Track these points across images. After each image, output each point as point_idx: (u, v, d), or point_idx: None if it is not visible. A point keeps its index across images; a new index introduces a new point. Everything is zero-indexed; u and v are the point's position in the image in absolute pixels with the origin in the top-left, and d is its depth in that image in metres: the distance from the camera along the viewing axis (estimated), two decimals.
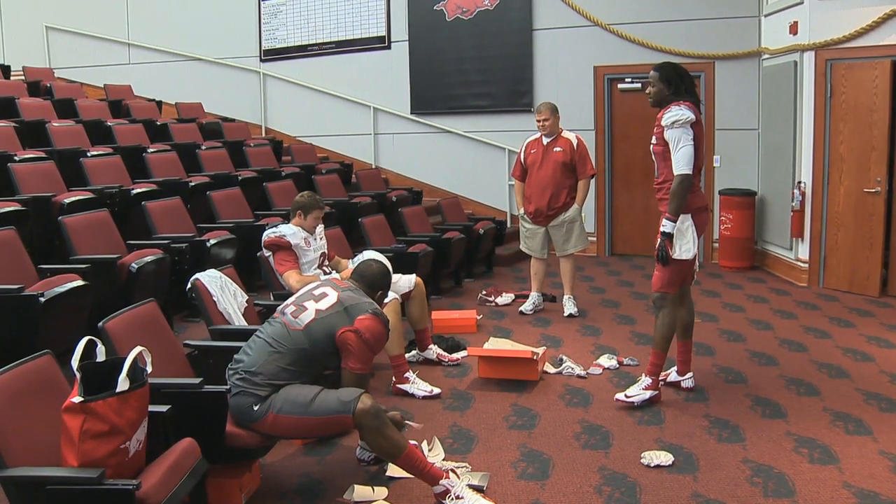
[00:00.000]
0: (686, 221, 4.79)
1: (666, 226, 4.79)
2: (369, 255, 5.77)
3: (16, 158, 6.63)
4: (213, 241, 6.20)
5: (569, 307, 7.10)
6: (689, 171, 4.70)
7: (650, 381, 4.95)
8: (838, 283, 7.96)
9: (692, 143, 4.71)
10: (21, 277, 4.77)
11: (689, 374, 5.19)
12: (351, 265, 5.63)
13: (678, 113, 4.71)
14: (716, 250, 9.53)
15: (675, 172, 4.71)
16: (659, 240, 4.84)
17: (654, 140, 4.89)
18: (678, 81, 4.85)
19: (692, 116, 4.72)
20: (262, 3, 11.75)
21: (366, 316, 3.85)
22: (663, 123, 4.76)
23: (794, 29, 8.19)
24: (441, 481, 3.65)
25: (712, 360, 5.84)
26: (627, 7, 9.80)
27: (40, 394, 3.06)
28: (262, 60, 11.84)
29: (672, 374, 5.23)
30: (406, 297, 5.63)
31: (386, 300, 4.84)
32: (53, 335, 4.50)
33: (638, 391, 4.94)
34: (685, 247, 4.79)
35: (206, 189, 7.37)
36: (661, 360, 4.97)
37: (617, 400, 4.95)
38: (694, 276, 5.11)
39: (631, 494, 3.80)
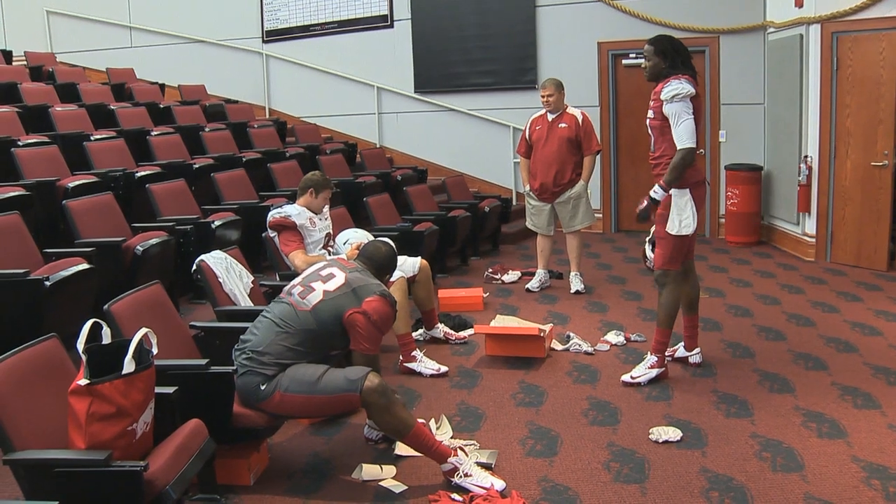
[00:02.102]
0: (685, 196, 4.75)
1: (657, 192, 4.77)
2: (349, 233, 5.80)
3: (19, 143, 6.61)
4: (217, 223, 6.19)
5: (575, 284, 7.09)
6: (693, 145, 4.67)
7: (655, 359, 4.94)
8: (846, 257, 7.93)
9: (692, 116, 4.68)
10: (26, 262, 4.77)
11: (697, 350, 5.18)
12: (340, 246, 5.64)
13: (678, 87, 4.67)
14: (722, 226, 9.50)
15: (679, 146, 4.67)
16: (645, 202, 4.83)
17: (650, 114, 4.85)
18: (674, 54, 4.80)
19: (692, 90, 4.68)
20: None
21: (373, 297, 3.85)
22: (663, 97, 4.71)
23: (799, 2, 8.12)
24: (449, 459, 3.65)
25: (720, 335, 5.82)
26: None
27: (47, 377, 3.06)
28: (264, 41, 11.79)
29: (680, 350, 5.22)
30: (411, 280, 5.62)
31: (392, 279, 4.84)
32: (59, 318, 4.50)
33: (644, 371, 4.93)
34: (685, 222, 4.76)
35: (211, 171, 7.35)
36: (665, 337, 4.95)
37: (623, 382, 4.93)
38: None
39: (639, 470, 3.80)
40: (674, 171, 4.69)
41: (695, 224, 4.78)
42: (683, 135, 4.66)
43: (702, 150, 9.60)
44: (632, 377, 4.93)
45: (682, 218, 4.76)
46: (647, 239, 5.30)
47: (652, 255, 5.12)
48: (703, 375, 5.03)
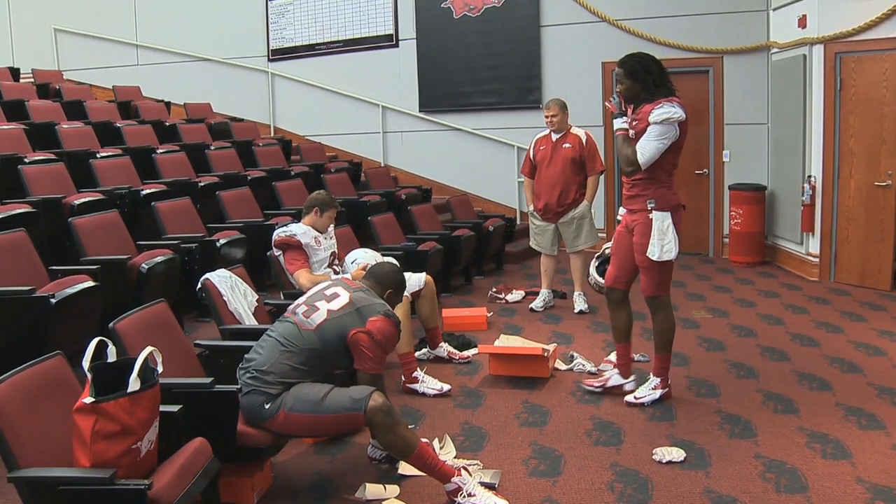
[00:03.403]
0: (667, 220, 4.68)
1: (619, 121, 4.72)
2: (358, 254, 5.81)
3: (26, 160, 6.65)
4: (222, 241, 6.21)
5: (579, 304, 7.09)
6: (642, 166, 4.60)
7: (658, 380, 4.93)
8: (849, 277, 7.92)
9: (668, 144, 4.59)
10: (32, 279, 4.79)
11: (632, 377, 5.10)
12: (349, 265, 5.66)
13: (671, 111, 4.57)
14: (726, 245, 9.51)
15: (638, 156, 4.59)
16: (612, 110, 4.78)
17: (632, 134, 4.72)
18: (644, 75, 4.67)
19: (683, 115, 4.60)
20: (269, 2, 11.76)
21: (377, 317, 3.85)
22: (652, 119, 4.59)
23: (802, 22, 8.16)
24: (453, 479, 3.65)
25: (723, 355, 5.82)
26: (635, 2, 9.77)
27: (52, 395, 3.07)
28: (270, 60, 11.85)
29: (613, 378, 5.11)
30: (416, 296, 5.64)
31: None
32: (64, 336, 4.51)
33: (647, 391, 4.92)
34: (667, 247, 4.68)
35: (216, 189, 7.38)
36: (666, 362, 4.93)
37: (627, 402, 4.92)
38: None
39: (643, 491, 3.79)
40: (621, 151, 4.68)
41: (677, 248, 4.71)
42: (647, 152, 4.59)
43: (705, 170, 9.63)
44: (635, 398, 4.91)
45: (664, 243, 4.68)
46: (596, 255, 5.28)
47: (596, 275, 5.12)
48: (707, 396, 5.02)
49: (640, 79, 4.68)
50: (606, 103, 4.87)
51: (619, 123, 4.73)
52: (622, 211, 4.95)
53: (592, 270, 5.69)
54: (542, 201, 7.09)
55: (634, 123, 4.72)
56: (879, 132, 7.53)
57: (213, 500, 3.47)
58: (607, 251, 5.41)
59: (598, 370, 5.53)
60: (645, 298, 4.95)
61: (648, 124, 4.60)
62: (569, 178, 6.97)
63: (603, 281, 5.26)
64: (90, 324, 4.79)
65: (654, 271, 4.79)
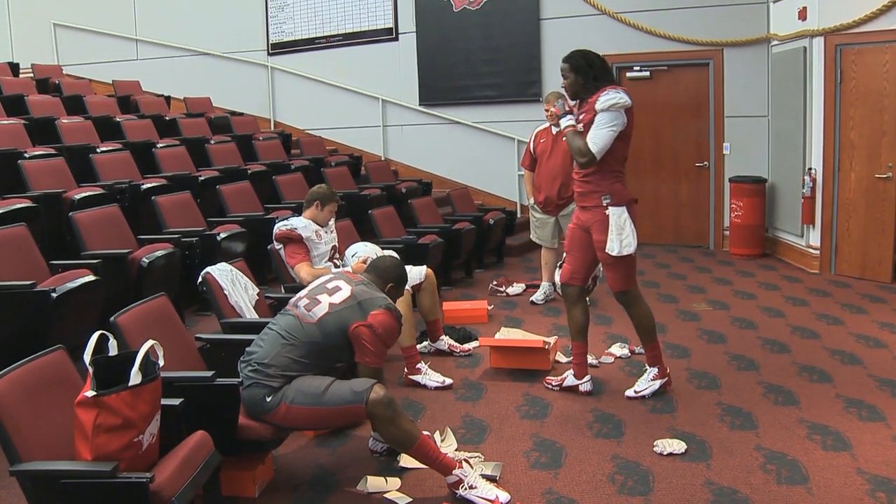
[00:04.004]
0: (623, 215, 4.66)
1: (567, 119, 4.71)
2: (358, 247, 5.81)
3: (26, 155, 6.64)
4: (223, 235, 6.21)
5: None
6: (597, 157, 4.56)
7: (656, 370, 4.93)
8: (850, 269, 7.93)
9: (617, 131, 4.57)
10: (33, 273, 4.79)
11: (587, 378, 5.03)
12: (349, 258, 5.66)
13: (616, 96, 4.56)
14: (727, 238, 9.51)
15: (590, 146, 4.56)
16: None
17: (580, 127, 4.71)
18: (587, 68, 4.70)
19: (629, 101, 4.59)
20: None
21: (379, 311, 3.86)
22: (598, 107, 4.57)
23: (802, 14, 8.15)
24: (454, 471, 3.65)
25: (724, 347, 5.83)
26: None
27: (53, 388, 3.07)
28: (269, 54, 11.83)
29: (568, 378, 5.06)
30: (417, 289, 5.64)
31: None
32: (66, 330, 4.52)
33: (646, 384, 4.92)
34: (626, 241, 4.65)
35: (216, 183, 7.38)
36: (656, 350, 4.93)
37: (627, 397, 4.91)
38: (596, 280, 5.03)
39: (644, 482, 3.80)
40: (573, 144, 4.64)
41: (636, 241, 4.68)
42: (599, 141, 4.55)
43: (706, 163, 9.63)
44: (635, 392, 4.91)
45: (622, 238, 4.65)
46: (558, 264, 5.24)
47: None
48: (708, 388, 5.03)
49: (583, 72, 4.71)
50: (552, 108, 4.85)
51: (566, 121, 4.72)
52: (573, 207, 4.91)
53: (557, 270, 5.64)
54: (543, 194, 7.09)
55: (582, 116, 4.71)
56: (880, 124, 7.52)
57: (215, 493, 3.48)
58: None
59: (598, 363, 5.53)
60: (615, 294, 4.95)
61: (595, 113, 4.59)
62: (569, 170, 6.92)
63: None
64: (91, 318, 4.80)
65: (617, 267, 4.77)
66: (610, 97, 4.57)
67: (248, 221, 6.70)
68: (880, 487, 3.66)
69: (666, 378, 4.94)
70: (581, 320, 5.00)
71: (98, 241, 5.61)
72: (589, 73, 4.70)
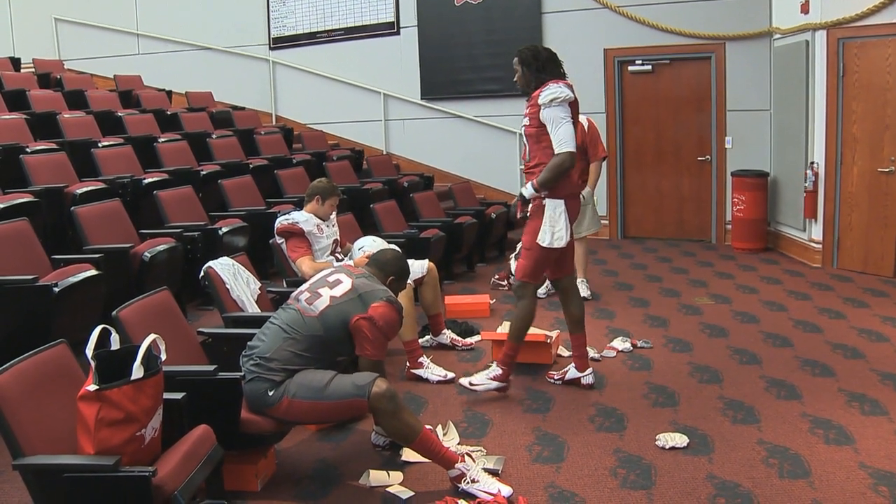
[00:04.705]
0: (559, 207, 4.63)
1: (527, 189, 4.66)
2: (365, 241, 5.81)
3: (27, 150, 6.64)
4: (225, 230, 6.22)
5: (582, 290, 7.06)
6: (573, 150, 4.52)
7: (500, 371, 4.83)
8: (852, 263, 7.92)
9: (571, 121, 4.55)
10: (35, 268, 4.79)
11: (589, 370, 5.01)
12: (356, 252, 5.66)
13: (556, 90, 4.55)
14: (729, 232, 9.50)
15: (558, 150, 4.51)
16: (515, 199, 4.76)
17: (526, 121, 4.71)
18: (533, 61, 4.71)
19: (570, 95, 4.57)
20: None
21: (379, 303, 3.86)
22: (540, 102, 4.57)
23: (805, 8, 8.13)
24: (456, 465, 3.66)
25: (726, 341, 5.82)
26: None
27: (56, 383, 3.08)
28: (271, 48, 11.82)
29: (570, 371, 5.05)
30: (419, 283, 5.65)
31: None
32: (68, 324, 4.52)
33: (485, 380, 4.83)
34: (558, 234, 4.63)
35: (218, 177, 7.38)
36: (514, 351, 4.84)
37: (460, 384, 4.88)
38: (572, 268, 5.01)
39: (646, 476, 3.80)
40: (550, 172, 4.54)
41: (567, 237, 4.67)
42: (563, 139, 4.52)
43: (708, 157, 9.61)
44: (471, 383, 4.85)
45: (555, 230, 4.63)
46: (513, 255, 5.22)
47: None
48: (710, 382, 5.03)
49: (529, 65, 4.74)
50: (518, 216, 4.82)
51: (527, 192, 4.68)
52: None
53: (513, 266, 5.59)
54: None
55: (527, 111, 4.71)
56: (882, 118, 7.50)
57: (217, 487, 3.48)
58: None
59: (600, 357, 5.53)
60: (514, 282, 4.91)
61: (539, 108, 4.58)
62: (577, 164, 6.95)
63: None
64: (93, 312, 4.80)
65: (533, 256, 4.73)
66: (551, 91, 4.56)
67: (250, 216, 6.70)
68: (882, 481, 3.66)
69: (505, 384, 4.84)
70: (575, 313, 5.00)
71: (100, 236, 5.61)
72: (533, 65, 4.72)
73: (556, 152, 4.53)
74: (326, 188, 5.65)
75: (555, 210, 4.63)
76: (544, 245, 4.64)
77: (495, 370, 4.84)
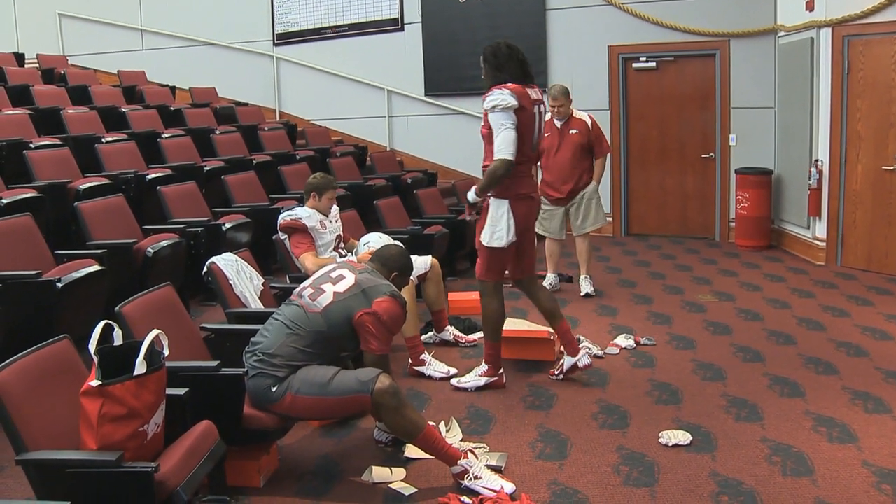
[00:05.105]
0: (501, 207, 4.63)
1: (469, 194, 4.71)
2: (372, 237, 5.81)
3: (31, 145, 6.64)
4: (228, 225, 6.21)
5: (585, 287, 7.08)
6: (510, 157, 4.49)
7: (487, 367, 4.89)
8: (856, 261, 7.90)
9: (514, 127, 4.51)
10: (38, 263, 4.79)
11: (582, 352, 4.99)
12: (361, 247, 5.66)
13: (498, 97, 4.52)
14: (732, 229, 9.48)
15: (496, 156, 4.51)
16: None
17: (482, 123, 4.72)
18: (491, 59, 4.71)
19: (513, 102, 4.50)
20: None
21: (383, 298, 3.86)
22: (484, 107, 4.58)
23: (810, 5, 8.11)
24: (459, 461, 3.65)
25: (730, 339, 5.81)
26: None
27: (59, 378, 3.08)
28: (275, 44, 11.81)
29: (566, 361, 5.02)
30: (422, 279, 5.65)
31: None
32: (71, 320, 4.52)
33: (474, 378, 4.91)
34: (497, 234, 4.65)
35: (221, 173, 7.38)
36: (494, 350, 4.89)
37: (452, 386, 4.94)
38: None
39: (649, 474, 3.80)
40: (486, 178, 4.57)
41: (508, 238, 4.65)
42: (501, 145, 4.50)
43: (712, 154, 9.60)
44: (459, 383, 4.92)
45: (494, 229, 4.65)
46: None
47: None
48: (713, 379, 5.02)
49: (489, 62, 4.74)
50: (467, 217, 4.86)
51: (472, 197, 4.72)
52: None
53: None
54: (555, 189, 7.05)
55: (483, 112, 4.70)
56: (887, 116, 7.48)
57: (220, 483, 3.49)
58: None
59: (603, 353, 5.53)
60: (477, 280, 4.95)
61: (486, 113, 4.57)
62: (578, 164, 6.97)
63: None
64: (96, 308, 4.80)
65: (483, 255, 4.80)
66: (493, 98, 4.55)
67: (254, 211, 6.70)
68: (886, 479, 3.65)
69: (495, 378, 4.90)
70: (547, 306, 5.03)
71: (103, 231, 5.61)
72: (492, 62, 4.72)
73: (493, 158, 4.54)
74: (321, 183, 5.64)
75: (497, 210, 4.66)
76: (485, 244, 4.70)
77: (483, 367, 4.91)
